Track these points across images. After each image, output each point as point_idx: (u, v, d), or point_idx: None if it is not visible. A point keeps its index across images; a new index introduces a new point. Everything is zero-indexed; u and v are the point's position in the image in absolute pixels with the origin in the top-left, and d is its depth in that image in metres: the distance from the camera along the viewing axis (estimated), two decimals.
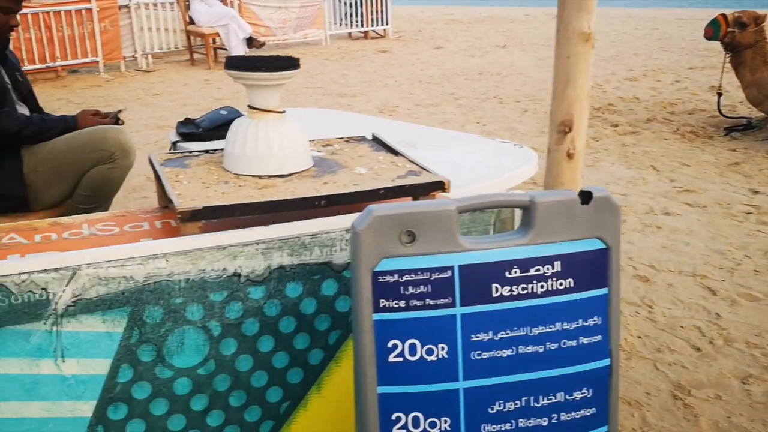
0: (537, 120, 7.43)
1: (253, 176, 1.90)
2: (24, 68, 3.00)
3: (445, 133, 3.19)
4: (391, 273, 1.32)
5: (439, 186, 1.85)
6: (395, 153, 2.12)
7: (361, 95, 9.00)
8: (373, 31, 13.30)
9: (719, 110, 6.81)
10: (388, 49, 12.09)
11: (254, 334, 1.67)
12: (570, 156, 1.77)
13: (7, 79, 2.78)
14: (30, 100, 2.92)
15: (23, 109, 2.84)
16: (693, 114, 7.43)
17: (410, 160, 2.04)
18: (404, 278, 1.32)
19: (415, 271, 1.32)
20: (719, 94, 6.75)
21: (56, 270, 1.47)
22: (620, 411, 2.48)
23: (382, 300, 1.33)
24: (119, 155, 2.78)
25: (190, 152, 2.13)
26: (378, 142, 2.25)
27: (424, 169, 1.96)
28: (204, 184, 1.84)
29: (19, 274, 1.44)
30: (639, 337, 2.99)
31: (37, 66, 8.75)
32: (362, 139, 2.30)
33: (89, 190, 2.79)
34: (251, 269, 1.63)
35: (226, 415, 1.69)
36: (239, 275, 1.62)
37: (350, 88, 9.52)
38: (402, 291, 1.32)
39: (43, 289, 1.46)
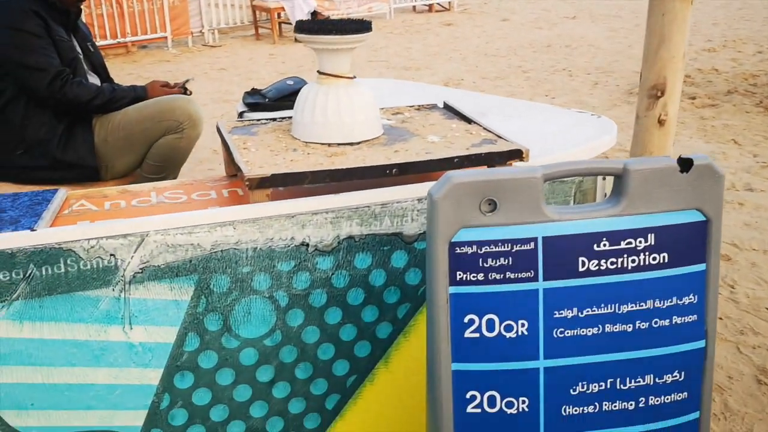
0: (608, 93, 7.15)
1: (322, 144, 1.83)
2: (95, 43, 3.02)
3: (517, 103, 3.05)
4: (469, 244, 1.24)
5: (517, 154, 1.74)
6: (468, 121, 2.03)
7: (425, 68, 8.86)
8: (438, 4, 13.07)
9: None
10: (452, 22, 11.86)
11: (321, 305, 1.62)
12: (661, 123, 1.64)
13: (78, 50, 2.80)
14: (101, 71, 2.94)
15: (94, 79, 2.86)
16: None
17: (485, 128, 1.94)
18: (483, 250, 1.24)
19: (495, 242, 1.24)
20: None
21: (124, 236, 1.44)
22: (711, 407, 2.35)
23: (458, 272, 1.24)
24: (187, 125, 2.77)
25: (258, 120, 2.09)
26: (450, 110, 2.16)
27: (500, 137, 1.86)
28: (272, 151, 1.79)
29: (88, 239, 1.42)
30: (720, 319, 2.82)
31: (108, 41, 8.93)
32: (434, 107, 2.21)
33: (158, 159, 2.80)
34: (319, 239, 1.58)
35: (292, 387, 1.65)
36: (307, 245, 1.57)
37: (414, 61, 9.38)
38: (480, 263, 1.24)
39: (111, 255, 1.44)
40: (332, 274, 1.60)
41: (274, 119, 2.09)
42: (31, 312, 1.41)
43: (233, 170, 1.92)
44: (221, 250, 1.51)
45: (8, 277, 1.38)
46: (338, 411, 1.71)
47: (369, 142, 1.85)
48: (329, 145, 1.83)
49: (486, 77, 8.28)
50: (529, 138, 2.04)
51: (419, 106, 2.21)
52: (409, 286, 1.67)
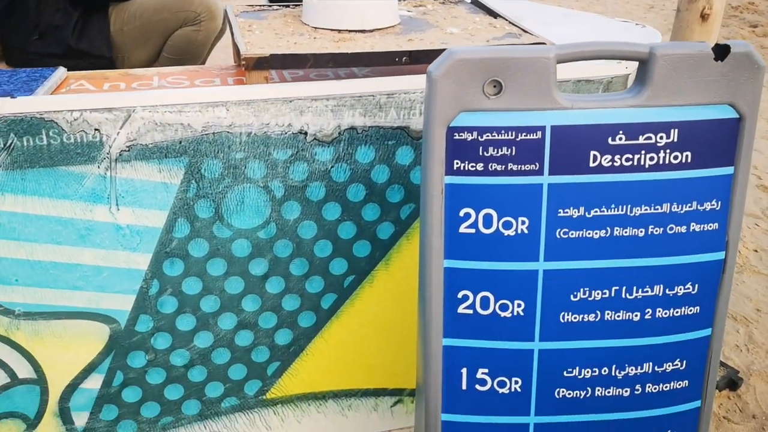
0: (664, 17, 6.75)
1: (332, 30, 1.71)
2: None
3: (559, 11, 2.85)
4: (469, 130, 1.12)
5: None
6: (495, 15, 1.87)
7: None
8: None
9: None
10: None
11: (319, 199, 1.53)
12: (704, 18, 1.47)
13: None
14: None
15: None
16: None
17: (511, 22, 1.79)
18: (484, 137, 1.12)
19: (498, 129, 1.12)
20: None
21: (110, 110, 1.36)
22: (725, 326, 2.24)
23: (456, 161, 1.14)
24: (205, 17, 2.66)
25: (270, 5, 1.96)
26: (477, 5, 1.99)
27: (525, 32, 1.70)
28: (277, 34, 1.67)
29: (71, 111, 1.34)
30: (755, 251, 2.68)
31: None
32: (460, 1, 2.05)
33: (174, 52, 2.70)
34: (319, 128, 1.47)
35: (287, 283, 1.59)
36: (305, 133, 1.47)
37: None
38: (481, 152, 1.13)
39: (96, 129, 1.37)
40: (332, 166, 1.51)
41: (287, 5, 1.96)
42: (13, 184, 1.36)
43: (239, 60, 1.81)
44: (213, 133, 1.43)
45: None
46: (334, 311, 1.65)
47: (382, 30, 1.72)
48: (339, 31, 1.70)
49: None
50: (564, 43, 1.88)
51: None
52: (414, 185, 1.57)
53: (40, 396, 1.54)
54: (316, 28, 1.72)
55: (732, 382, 1.99)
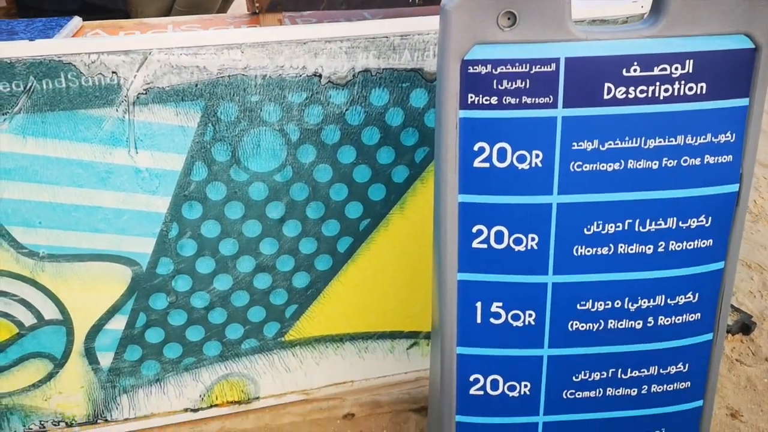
0: None
1: None
2: None
3: None
4: (483, 63, 1.13)
5: None
6: None
7: None
8: None
9: None
10: None
11: (334, 143, 1.54)
12: None
13: None
14: None
15: None
16: None
17: None
18: (498, 70, 1.12)
19: (512, 62, 1.12)
20: None
21: (126, 53, 1.37)
22: (738, 273, 2.25)
23: (470, 95, 1.14)
24: None
25: None
26: None
27: None
28: None
29: (88, 54, 1.35)
30: None
31: None
32: None
33: (186, 5, 2.70)
34: (333, 70, 1.48)
35: (303, 226, 1.61)
36: (320, 76, 1.48)
37: None
38: (495, 85, 1.13)
39: (113, 72, 1.38)
40: (346, 109, 1.52)
41: None
42: (34, 127, 1.38)
43: (251, 6, 1.81)
44: (228, 75, 1.44)
45: (8, 89, 1.34)
46: (350, 254, 1.67)
47: None
48: None
49: None
50: None
51: None
52: (428, 128, 1.57)
53: (66, 336, 1.59)
54: None
55: (745, 326, 2.00)
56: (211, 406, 1.75)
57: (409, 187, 1.63)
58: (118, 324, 1.60)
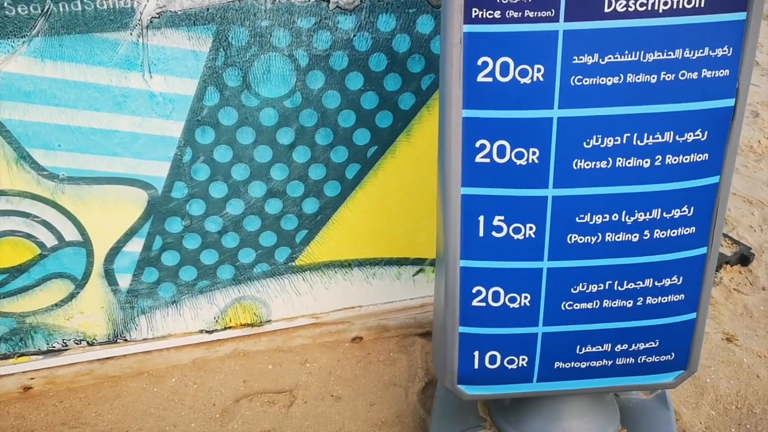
0: None
1: None
2: None
3: None
4: None
5: None
6: None
7: None
8: None
9: None
10: None
11: (342, 69, 1.58)
12: None
13: None
14: None
15: None
16: None
17: None
18: None
19: None
20: None
21: None
22: (740, 209, 2.28)
23: (474, 9, 1.17)
24: None
25: None
26: None
27: None
28: None
29: None
30: None
31: None
32: None
33: None
34: None
35: (312, 152, 1.66)
36: (328, 1, 1.51)
37: None
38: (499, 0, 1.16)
39: None
40: (354, 35, 1.55)
41: None
42: (52, 50, 1.42)
43: None
44: (239, 0, 1.47)
45: (27, 11, 1.38)
46: (358, 181, 1.72)
47: None
48: None
49: None
50: None
51: None
52: (434, 55, 1.61)
53: (86, 258, 1.66)
54: None
55: (744, 258, 2.05)
56: (226, 328, 1.83)
57: (416, 114, 1.67)
58: (135, 246, 1.67)
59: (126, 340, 1.77)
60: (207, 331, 1.81)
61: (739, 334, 1.80)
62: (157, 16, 1.45)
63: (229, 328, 1.82)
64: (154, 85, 1.51)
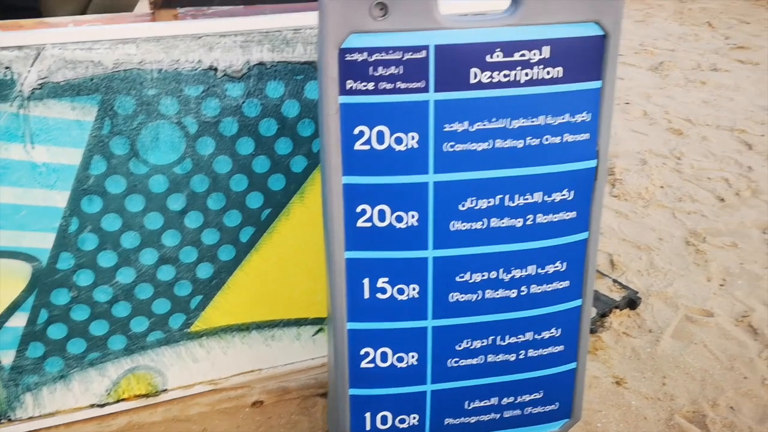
0: None
1: None
2: None
3: None
4: (359, 51, 1.21)
5: None
6: None
7: None
8: None
9: None
10: None
11: (233, 134, 1.59)
12: None
13: None
14: None
15: None
16: None
17: None
18: (374, 57, 1.21)
19: (386, 50, 1.20)
20: None
21: (19, 48, 1.39)
22: (628, 254, 2.41)
23: (349, 81, 1.22)
24: None
25: None
26: None
27: None
28: None
29: None
30: (661, 187, 2.86)
31: None
32: None
33: (100, 9, 2.70)
34: (228, 63, 1.53)
35: (205, 217, 1.65)
36: (215, 69, 1.53)
37: None
38: (371, 72, 1.21)
39: (6, 68, 1.40)
40: (243, 102, 1.57)
41: None
42: None
43: (152, 4, 1.84)
44: (124, 70, 1.47)
45: None
46: (253, 244, 1.72)
47: None
48: None
49: None
50: None
51: None
52: None
53: None
54: None
55: (632, 302, 2.15)
56: (118, 401, 1.77)
57: (308, 176, 1.70)
58: (18, 321, 1.60)
59: (10, 419, 1.69)
60: (98, 405, 1.75)
61: (628, 377, 1.88)
62: (39, 87, 1.43)
63: (123, 400, 1.76)
64: (37, 156, 1.48)
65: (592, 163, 1.31)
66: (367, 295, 1.33)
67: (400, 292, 1.33)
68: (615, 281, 2.25)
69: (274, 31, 1.54)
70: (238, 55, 1.53)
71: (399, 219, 1.29)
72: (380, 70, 1.21)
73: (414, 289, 1.33)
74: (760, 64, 4.21)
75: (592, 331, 2.05)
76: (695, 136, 3.27)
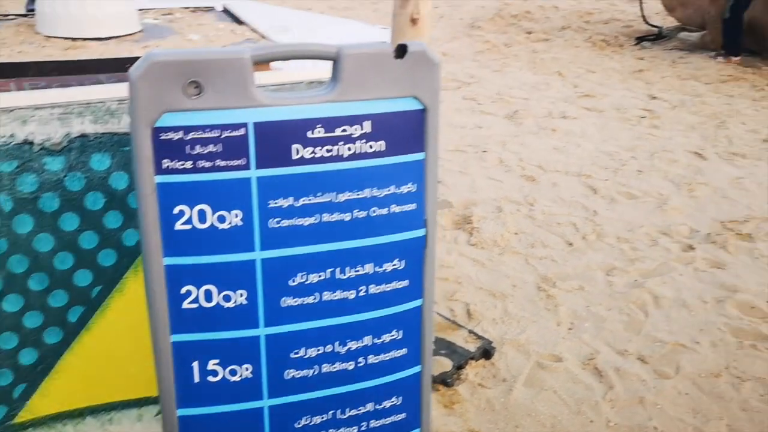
0: (452, 26, 7.25)
1: (66, 38, 1.68)
2: None
3: (327, 19, 3.00)
4: (174, 129, 1.16)
5: None
6: (240, 23, 1.93)
7: None
8: None
9: (642, 15, 6.77)
10: None
11: (54, 210, 1.49)
12: (414, 22, 1.62)
13: None
14: None
15: None
16: (608, 23, 7.40)
17: (252, 29, 1.86)
18: (190, 136, 1.17)
19: (203, 128, 1.17)
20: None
21: None
22: (484, 302, 2.47)
23: (165, 160, 1.17)
24: None
25: (6, 15, 1.88)
26: (227, 14, 2.05)
27: (264, 37, 1.78)
28: (4, 44, 1.61)
29: None
30: (515, 234, 2.97)
31: None
32: (210, 9, 2.09)
33: None
34: (46, 137, 1.44)
35: (26, 299, 1.53)
36: (32, 143, 1.43)
37: None
38: (188, 150, 1.17)
39: None
40: (64, 176, 1.48)
41: (25, 15, 1.89)
42: None
43: None
44: None
45: None
46: (83, 324, 1.61)
47: (121, 38, 1.72)
48: (73, 39, 1.67)
49: (334, 7, 8.14)
50: None
51: (195, 8, 2.08)
52: None
53: None
54: (48, 36, 1.68)
55: (486, 352, 2.20)
56: None
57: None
58: None
59: None
60: None
61: (483, 429, 1.91)
62: None
63: None
64: None
65: (420, 232, 1.32)
66: (197, 378, 1.27)
67: (233, 373, 1.27)
68: (471, 332, 2.29)
69: (96, 102, 1.47)
70: (56, 127, 1.45)
71: (227, 298, 1.24)
72: (198, 149, 1.17)
73: (247, 369, 1.28)
74: (604, 111, 4.52)
75: (449, 385, 2.07)
76: (546, 182, 3.44)
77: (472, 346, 2.22)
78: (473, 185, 3.43)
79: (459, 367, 2.14)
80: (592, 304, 2.46)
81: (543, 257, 2.78)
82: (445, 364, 2.13)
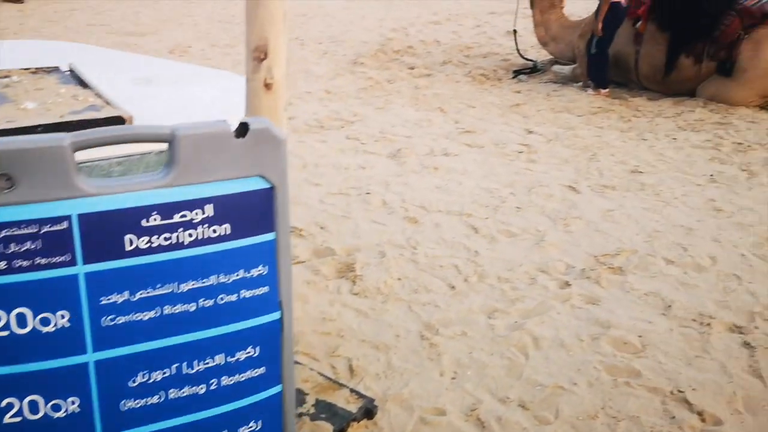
0: (335, 62, 7.27)
1: None
2: None
3: (192, 69, 2.89)
4: None
5: (118, 122, 1.57)
6: (85, 86, 1.81)
7: (152, 34, 8.32)
8: None
9: (517, 49, 7.03)
10: None
11: None
12: (268, 86, 1.57)
13: None
14: None
15: None
16: (487, 57, 7.64)
17: (97, 94, 1.74)
18: (3, 233, 1.05)
19: (17, 224, 1.05)
20: (515, 32, 7.01)
21: None
22: (367, 356, 2.41)
23: None
24: None
25: None
26: (72, 75, 1.91)
27: (108, 104, 1.67)
28: None
29: None
30: (399, 279, 2.95)
31: None
32: (54, 70, 1.95)
33: None
34: None
35: None
36: None
37: (141, 26, 8.78)
38: (2, 249, 1.05)
39: None
40: None
41: None
42: None
43: None
44: None
45: None
46: None
47: None
48: None
49: (216, 45, 8.00)
50: (178, 104, 1.88)
51: (37, 68, 1.94)
52: None
53: None
54: None
55: (368, 411, 2.13)
56: None
57: None
58: None
59: None
60: None
61: None
62: None
63: None
64: None
65: (276, 315, 1.25)
66: None
67: None
68: (352, 390, 2.22)
69: None
70: None
71: (56, 408, 1.12)
72: (13, 247, 1.06)
73: None
74: (484, 146, 4.63)
75: None
76: (429, 223, 3.45)
77: (353, 407, 2.15)
78: (356, 230, 3.39)
79: (340, 431, 2.07)
80: (474, 350, 2.45)
81: (426, 303, 2.76)
82: (326, 429, 2.05)
